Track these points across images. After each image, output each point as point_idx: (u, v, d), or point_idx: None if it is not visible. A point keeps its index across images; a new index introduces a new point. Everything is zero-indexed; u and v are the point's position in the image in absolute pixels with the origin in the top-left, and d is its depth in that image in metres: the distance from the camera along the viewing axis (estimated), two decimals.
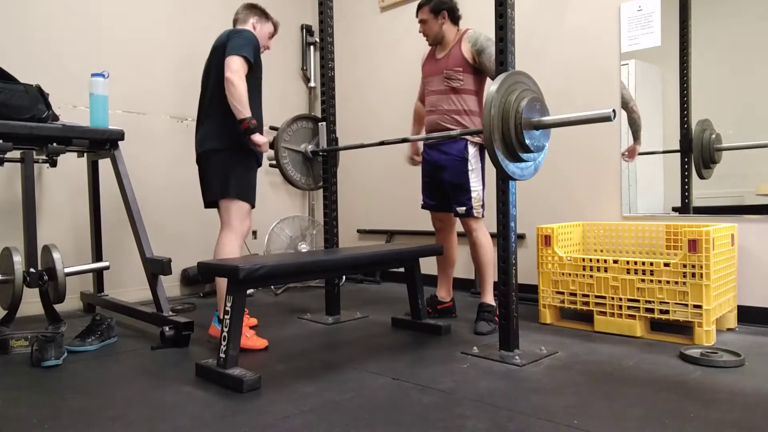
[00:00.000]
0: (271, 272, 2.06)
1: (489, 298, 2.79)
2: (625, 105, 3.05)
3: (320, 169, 3.10)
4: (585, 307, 2.66)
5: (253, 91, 2.57)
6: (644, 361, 2.15)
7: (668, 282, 2.42)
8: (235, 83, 2.44)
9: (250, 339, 2.48)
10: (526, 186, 2.87)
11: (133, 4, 3.68)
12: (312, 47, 4.73)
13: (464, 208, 2.75)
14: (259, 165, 2.71)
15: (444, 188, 2.85)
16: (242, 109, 2.45)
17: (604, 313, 2.59)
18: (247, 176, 2.62)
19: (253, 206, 2.65)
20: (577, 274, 2.68)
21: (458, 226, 3.01)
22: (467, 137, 2.73)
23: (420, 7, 2.84)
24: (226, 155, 2.58)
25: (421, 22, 2.83)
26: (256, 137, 2.52)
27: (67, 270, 2.74)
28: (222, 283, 2.47)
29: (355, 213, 4.47)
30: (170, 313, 2.60)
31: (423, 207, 3.02)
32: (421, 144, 3.02)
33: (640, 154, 3.05)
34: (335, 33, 3.13)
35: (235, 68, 2.45)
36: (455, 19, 2.83)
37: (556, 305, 2.78)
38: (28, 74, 2.73)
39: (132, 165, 2.92)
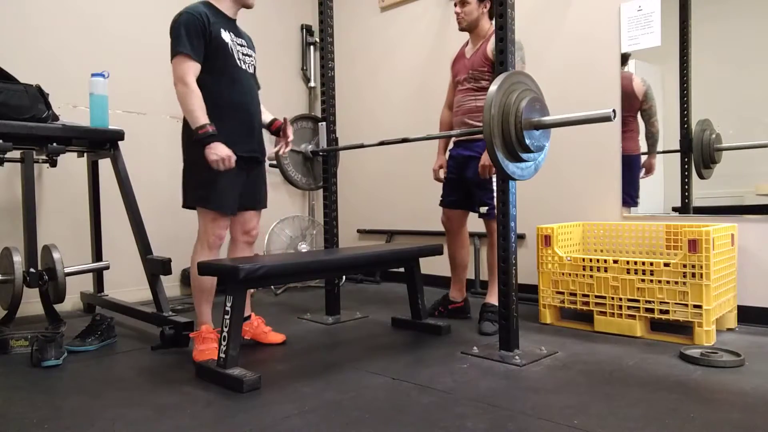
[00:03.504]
0: (271, 272, 2.07)
1: (494, 299, 2.77)
2: (649, 118, 3.02)
3: (320, 169, 3.10)
4: (585, 307, 2.66)
5: (220, 79, 2.25)
6: (644, 361, 2.15)
7: (668, 282, 2.42)
8: (178, 93, 2.18)
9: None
10: (526, 186, 2.87)
11: (134, 3, 3.68)
12: (312, 47, 4.73)
13: (487, 208, 2.72)
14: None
15: (467, 186, 2.81)
16: (191, 118, 2.15)
17: (604, 313, 2.59)
18: (213, 179, 2.22)
19: (222, 212, 2.28)
20: (577, 274, 2.68)
21: (469, 227, 3.00)
22: None
23: None
24: (185, 154, 2.33)
25: (461, 3, 2.69)
26: (209, 151, 2.12)
27: (67, 270, 2.74)
28: (199, 285, 2.32)
29: (355, 213, 4.47)
30: (170, 313, 2.60)
31: (441, 204, 2.95)
32: (450, 145, 2.96)
33: (640, 153, 3.05)
34: (335, 33, 3.13)
35: (176, 75, 2.17)
36: (493, 12, 2.71)
37: (556, 305, 2.78)
38: (28, 74, 2.73)
39: (132, 165, 2.92)
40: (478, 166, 2.67)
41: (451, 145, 2.97)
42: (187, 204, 2.35)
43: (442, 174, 2.94)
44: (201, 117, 2.14)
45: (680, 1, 2.87)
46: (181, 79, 2.17)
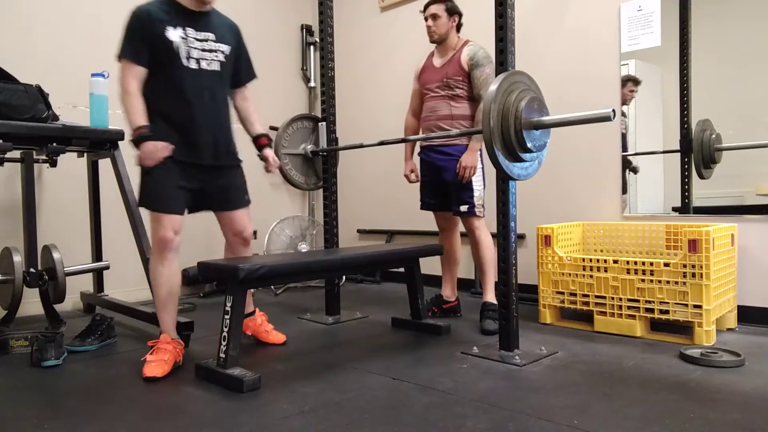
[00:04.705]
0: (271, 272, 2.06)
1: (491, 297, 2.79)
2: None
3: (320, 169, 3.10)
4: (585, 307, 2.66)
5: (161, 82, 2.15)
6: (644, 361, 2.15)
7: (668, 282, 2.42)
8: (120, 97, 2.13)
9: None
10: (526, 186, 2.87)
11: (133, 3, 3.67)
12: (312, 47, 4.73)
13: (466, 207, 2.76)
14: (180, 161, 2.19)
15: (445, 188, 2.85)
16: (128, 122, 2.11)
17: (604, 313, 2.59)
18: (151, 181, 2.18)
19: (163, 211, 2.16)
20: (577, 274, 2.68)
21: (461, 226, 3.01)
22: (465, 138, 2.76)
23: (435, 1, 2.80)
24: None
25: (432, 17, 2.79)
26: (140, 149, 2.08)
27: (67, 270, 2.75)
28: (155, 292, 2.22)
29: (355, 213, 4.47)
30: None
31: (422, 208, 3.02)
32: (416, 152, 3.03)
33: (640, 153, 3.05)
34: (335, 33, 3.13)
35: (120, 79, 2.11)
36: (460, 26, 2.86)
37: (556, 305, 2.78)
38: (28, 74, 2.73)
39: (132, 165, 2.91)
40: (455, 168, 2.74)
41: (418, 149, 3.02)
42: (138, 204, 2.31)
43: (413, 177, 3.03)
44: (136, 119, 2.09)
45: (680, 1, 2.87)
46: (121, 84, 2.12)
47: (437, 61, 2.88)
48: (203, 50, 2.19)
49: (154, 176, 2.16)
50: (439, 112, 2.83)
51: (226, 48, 2.26)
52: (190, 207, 2.30)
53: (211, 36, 2.22)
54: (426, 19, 2.82)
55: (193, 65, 2.17)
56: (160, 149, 2.10)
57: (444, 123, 2.81)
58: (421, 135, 3.01)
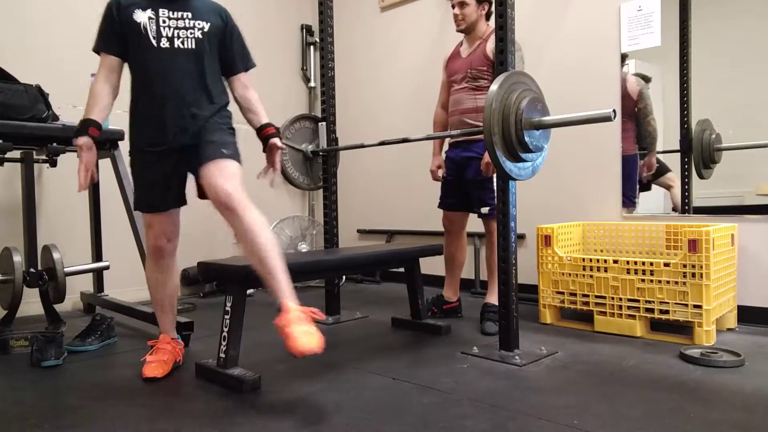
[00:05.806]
0: None
1: (494, 299, 2.76)
2: (644, 117, 3.02)
3: (320, 169, 3.10)
4: (585, 307, 2.66)
5: (135, 69, 2.08)
6: (644, 361, 2.15)
7: (668, 282, 2.42)
8: None
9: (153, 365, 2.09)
10: (526, 186, 2.86)
11: None
12: (312, 47, 4.73)
13: (488, 209, 2.70)
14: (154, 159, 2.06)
15: (466, 187, 2.80)
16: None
17: (604, 313, 2.59)
18: (136, 180, 2.15)
19: (146, 210, 2.12)
20: (577, 274, 2.68)
21: (467, 227, 3.00)
22: None
23: None
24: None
25: (460, 4, 2.69)
26: (76, 141, 1.97)
27: (67, 270, 2.75)
28: (151, 293, 2.19)
29: (355, 213, 4.47)
30: None
31: (440, 206, 2.96)
32: (445, 147, 2.97)
33: (641, 153, 3.05)
34: (335, 33, 3.13)
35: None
36: (489, 14, 2.76)
37: (556, 305, 2.78)
38: (28, 74, 2.73)
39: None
40: (478, 167, 2.67)
41: (446, 147, 2.96)
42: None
43: (440, 174, 2.93)
44: (85, 111, 2.02)
45: (680, 1, 2.87)
46: (96, 75, 2.08)
47: (464, 51, 2.80)
48: (177, 28, 2.03)
49: (136, 175, 2.12)
50: (463, 106, 2.75)
51: (204, 24, 2.07)
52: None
53: (188, 14, 2.06)
54: (453, 6, 2.73)
55: (164, 44, 2.01)
56: (84, 148, 1.96)
57: (468, 117, 2.73)
58: (423, 135, 2.99)
